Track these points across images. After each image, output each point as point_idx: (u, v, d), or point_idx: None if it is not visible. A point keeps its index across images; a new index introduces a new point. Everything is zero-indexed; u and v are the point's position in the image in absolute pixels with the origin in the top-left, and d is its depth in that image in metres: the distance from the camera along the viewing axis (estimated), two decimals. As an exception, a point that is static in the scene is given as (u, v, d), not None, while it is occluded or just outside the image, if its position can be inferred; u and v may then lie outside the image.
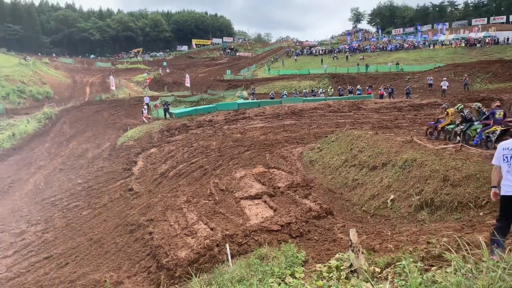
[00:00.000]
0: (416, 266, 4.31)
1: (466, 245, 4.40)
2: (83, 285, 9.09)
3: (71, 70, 72.90)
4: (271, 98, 41.38)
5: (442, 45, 65.40)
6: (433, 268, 4.62)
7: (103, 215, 14.38)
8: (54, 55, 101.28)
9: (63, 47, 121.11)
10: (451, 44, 64.38)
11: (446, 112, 16.06)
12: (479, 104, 15.44)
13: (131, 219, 13.22)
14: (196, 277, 6.77)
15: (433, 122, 16.97)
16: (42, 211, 15.67)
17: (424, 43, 68.95)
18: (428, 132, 17.19)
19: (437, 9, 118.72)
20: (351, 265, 5.45)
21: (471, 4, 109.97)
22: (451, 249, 4.66)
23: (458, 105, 15.55)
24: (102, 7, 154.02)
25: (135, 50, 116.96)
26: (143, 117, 32.67)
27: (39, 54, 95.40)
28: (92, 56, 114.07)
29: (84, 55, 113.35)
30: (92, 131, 30.77)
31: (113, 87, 49.99)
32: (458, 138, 14.41)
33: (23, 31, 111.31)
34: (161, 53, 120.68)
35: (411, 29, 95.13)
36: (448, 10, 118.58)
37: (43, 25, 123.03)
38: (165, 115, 32.54)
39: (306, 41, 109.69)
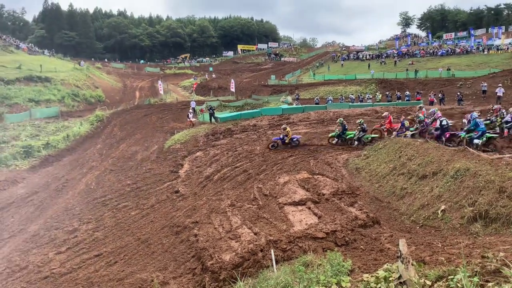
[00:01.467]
0: (471, 281, 4.10)
1: (527, 262, 4.14)
2: (130, 284, 9.36)
3: (122, 75, 75.71)
4: (316, 104, 41.05)
5: (498, 50, 62.38)
6: (489, 284, 4.38)
7: (150, 216, 14.77)
8: (106, 60, 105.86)
9: (115, 52, 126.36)
10: (508, 48, 61.28)
11: (287, 131, 22.26)
12: (341, 120, 22.78)
13: (177, 220, 13.49)
14: (240, 281, 6.79)
15: (278, 138, 22.51)
16: (93, 210, 16.29)
17: (478, 48, 66.08)
18: (270, 145, 22.43)
19: (492, 12, 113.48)
20: (400, 277, 5.27)
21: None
22: (510, 264, 4.40)
23: (339, 119, 23.46)
24: (152, 14, 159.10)
25: (183, 56, 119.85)
26: (189, 120, 33.40)
27: (92, 59, 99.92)
28: (142, 61, 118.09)
29: (134, 60, 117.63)
30: (141, 134, 31.75)
31: (161, 92, 51.46)
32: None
33: (78, 37, 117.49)
34: (208, 58, 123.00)
35: (464, 34, 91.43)
36: (505, 13, 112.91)
37: (97, 32, 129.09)
38: (210, 119, 33.07)
39: (353, 46, 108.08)
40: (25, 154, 26.28)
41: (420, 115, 20.67)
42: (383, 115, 23.46)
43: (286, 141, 22.36)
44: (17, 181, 21.97)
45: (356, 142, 21.64)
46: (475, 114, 16.63)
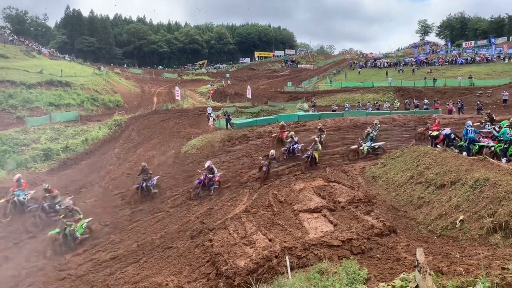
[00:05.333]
0: (491, 293, 4.03)
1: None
2: (145, 287, 9.40)
3: (140, 80, 76.58)
4: (333, 111, 40.85)
5: (519, 58, 61.26)
6: (510, 297, 4.30)
7: (166, 220, 14.88)
8: (125, 65, 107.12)
9: (134, 58, 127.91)
10: (529, 57, 60.16)
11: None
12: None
13: (192, 225, 13.56)
14: (255, 287, 6.78)
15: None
16: (110, 213, 16.48)
17: (499, 56, 65.00)
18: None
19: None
20: (417, 286, 5.20)
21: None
22: (531, 277, 4.31)
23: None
24: (171, 20, 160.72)
25: (200, 62, 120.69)
26: (209, 124, 33.80)
27: (112, 64, 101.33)
28: (160, 67, 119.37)
29: (152, 66, 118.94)
30: (158, 139, 32.04)
31: (178, 97, 51.84)
32: None
33: (98, 43, 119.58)
34: (224, 65, 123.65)
35: (484, 42, 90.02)
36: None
37: (116, 37, 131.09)
38: (226, 125, 33.20)
39: (370, 53, 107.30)
40: (45, 157, 26.77)
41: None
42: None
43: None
44: (36, 183, 22.37)
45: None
46: (469, 122, 17.26)
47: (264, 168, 18.44)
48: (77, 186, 21.68)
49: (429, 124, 23.88)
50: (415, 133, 24.24)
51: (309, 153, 19.82)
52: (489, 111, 28.38)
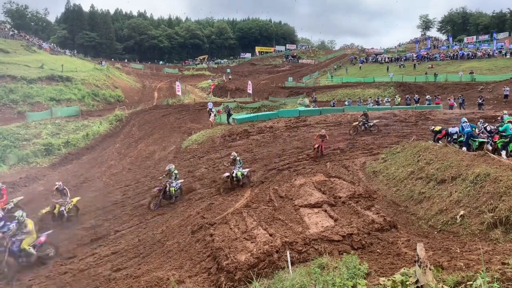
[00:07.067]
0: (491, 287, 4.03)
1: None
2: (146, 281, 9.41)
3: (141, 75, 76.56)
4: (332, 105, 40.83)
5: (521, 53, 60.99)
6: (510, 291, 4.31)
7: (167, 215, 14.91)
8: (126, 60, 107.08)
9: (134, 53, 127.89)
10: (531, 52, 59.84)
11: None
12: None
13: (193, 220, 13.58)
14: (256, 281, 6.80)
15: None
16: (111, 208, 16.52)
17: (500, 52, 64.73)
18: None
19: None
20: (417, 281, 5.21)
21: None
22: (531, 271, 4.32)
23: None
24: (171, 15, 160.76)
25: (201, 57, 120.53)
26: (211, 120, 33.67)
27: (112, 59, 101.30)
28: (160, 62, 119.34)
29: (153, 61, 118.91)
30: (159, 134, 32.07)
31: (179, 93, 51.82)
32: None
33: (98, 38, 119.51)
34: (225, 60, 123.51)
35: (486, 37, 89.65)
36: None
37: (117, 32, 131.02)
38: (227, 120, 33.20)
39: (372, 48, 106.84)
40: (46, 152, 26.87)
41: None
42: None
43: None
44: (37, 178, 22.47)
45: None
46: (464, 119, 17.37)
47: None
48: (78, 181, 21.74)
49: (324, 140, 21.08)
50: (313, 149, 20.94)
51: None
52: (365, 110, 29.28)
